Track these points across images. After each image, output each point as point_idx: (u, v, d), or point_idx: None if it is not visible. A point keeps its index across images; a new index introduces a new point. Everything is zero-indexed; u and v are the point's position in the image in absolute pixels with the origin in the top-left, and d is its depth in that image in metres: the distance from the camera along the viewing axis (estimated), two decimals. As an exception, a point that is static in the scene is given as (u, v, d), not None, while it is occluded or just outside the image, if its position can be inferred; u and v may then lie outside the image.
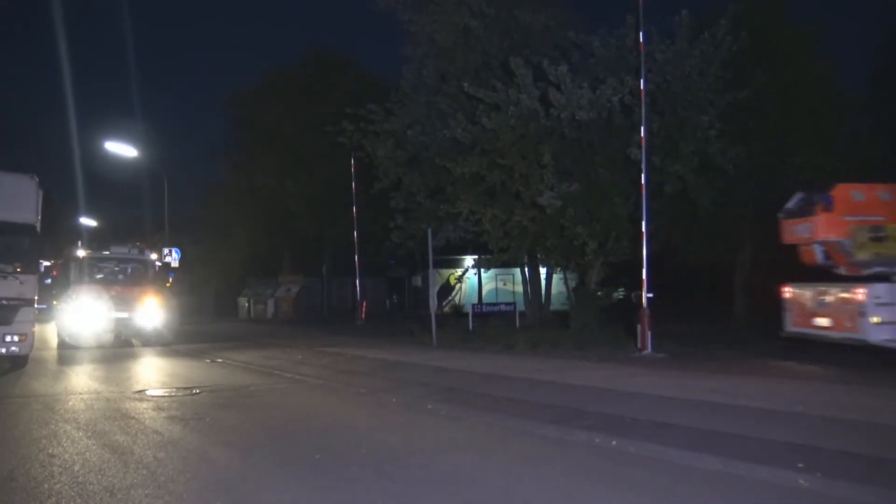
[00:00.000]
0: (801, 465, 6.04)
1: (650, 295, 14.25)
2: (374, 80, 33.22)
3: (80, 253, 20.22)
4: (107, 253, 20.85)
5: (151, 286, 20.91)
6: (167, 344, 20.50)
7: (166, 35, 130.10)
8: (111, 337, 20.24)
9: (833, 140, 21.78)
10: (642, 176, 14.38)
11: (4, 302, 12.92)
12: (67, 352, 18.42)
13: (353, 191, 24.73)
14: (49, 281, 22.45)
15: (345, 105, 22.19)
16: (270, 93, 36.51)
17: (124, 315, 19.76)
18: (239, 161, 39.26)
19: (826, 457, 6.30)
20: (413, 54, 21.53)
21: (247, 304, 40.60)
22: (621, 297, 24.56)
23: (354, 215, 24.81)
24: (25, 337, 13.20)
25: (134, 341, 21.16)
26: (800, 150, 20.50)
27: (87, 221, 43.56)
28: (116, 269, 20.93)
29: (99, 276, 20.41)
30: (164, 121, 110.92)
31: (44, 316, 21.78)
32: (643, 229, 14.27)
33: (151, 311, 20.29)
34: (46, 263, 20.40)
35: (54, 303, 23.21)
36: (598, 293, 18.14)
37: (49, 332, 21.67)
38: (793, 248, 14.41)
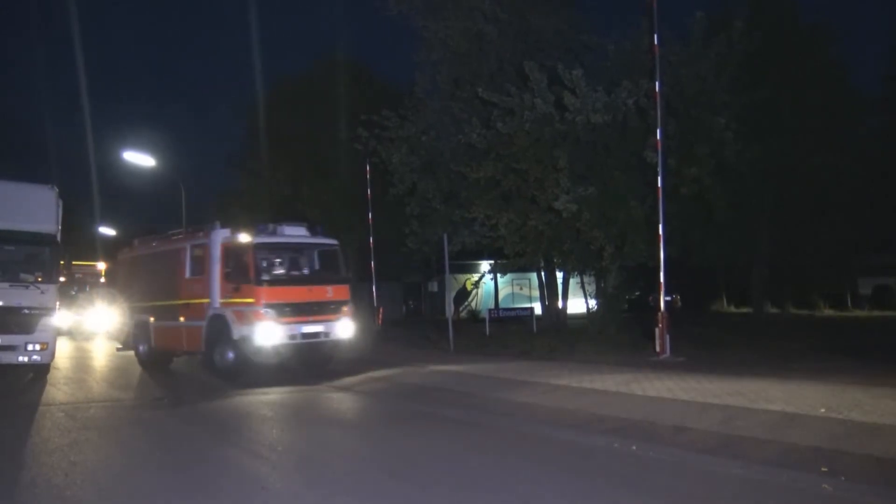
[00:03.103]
0: (824, 468, 5.98)
1: (668, 298, 14.16)
2: (388, 86, 33.31)
3: (244, 238, 13.78)
4: (280, 239, 14.48)
5: (342, 284, 14.92)
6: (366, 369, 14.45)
7: (182, 46, 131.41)
8: (292, 361, 14.35)
9: (848, 140, 21.61)
10: (658, 178, 14.30)
11: (26, 311, 13.07)
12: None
13: (369, 197, 24.80)
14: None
15: (359, 112, 22.26)
16: (285, 100, 36.67)
17: (317, 329, 14.03)
18: (254, 168, 39.47)
19: (849, 461, 6.23)
20: (427, 60, 21.57)
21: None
22: (635, 298, 24.48)
23: (370, 221, 24.89)
24: (47, 346, 13.34)
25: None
26: (815, 151, 20.34)
27: (106, 230, 44.04)
28: (294, 259, 15.09)
29: (276, 271, 14.37)
30: (181, 130, 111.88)
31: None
32: (660, 232, 14.20)
33: (347, 322, 14.63)
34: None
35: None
36: (626, 297, 18.25)
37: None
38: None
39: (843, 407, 8.30)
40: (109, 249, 40.47)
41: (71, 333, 28.52)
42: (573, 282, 23.78)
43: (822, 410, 8.17)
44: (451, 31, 20.33)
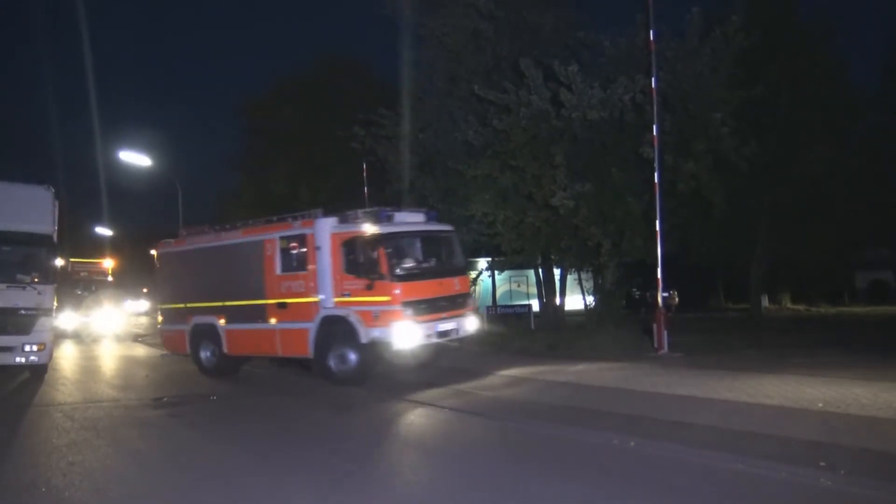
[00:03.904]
0: (822, 463, 5.99)
1: (666, 294, 14.16)
2: (385, 84, 33.29)
3: (370, 229, 12.22)
4: (406, 228, 13.22)
5: (465, 274, 14.07)
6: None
7: (179, 45, 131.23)
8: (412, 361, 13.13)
9: (846, 135, 21.62)
10: (655, 175, 14.29)
11: (23, 312, 13.06)
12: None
13: (366, 195, 24.77)
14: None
15: (356, 110, 22.23)
16: (282, 100, 36.64)
17: (450, 326, 12.87)
18: (252, 168, 39.44)
19: (848, 455, 6.24)
20: (423, 58, 21.55)
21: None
22: (637, 296, 24.50)
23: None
24: (44, 346, 13.33)
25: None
26: (812, 146, 20.36)
27: (104, 230, 44.01)
28: (418, 250, 13.37)
29: (406, 264, 12.67)
30: (178, 130, 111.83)
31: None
32: (657, 228, 14.19)
33: (472, 316, 13.74)
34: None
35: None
36: (624, 293, 18.23)
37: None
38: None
39: (841, 402, 8.32)
40: (117, 247, 40.45)
41: (77, 336, 27.18)
42: (571, 278, 23.78)
43: (821, 405, 8.19)
44: (447, 28, 20.30)
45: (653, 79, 14.44)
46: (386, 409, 10.23)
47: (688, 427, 7.61)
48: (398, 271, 12.06)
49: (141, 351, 21.66)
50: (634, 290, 23.76)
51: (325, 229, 12.66)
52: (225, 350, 14.29)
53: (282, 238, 13.41)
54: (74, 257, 32.40)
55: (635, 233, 16.54)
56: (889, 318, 24.22)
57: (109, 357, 19.68)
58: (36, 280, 13.32)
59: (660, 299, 14.14)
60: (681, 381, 10.53)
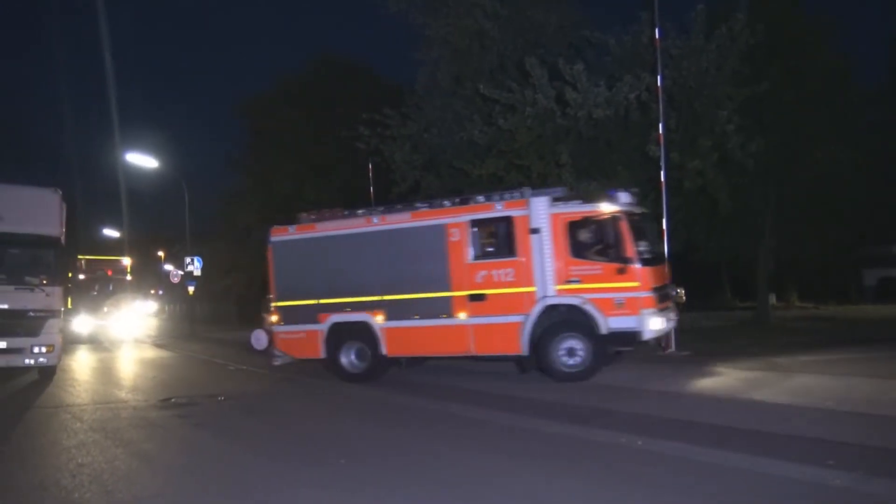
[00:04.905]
0: (830, 461, 5.96)
1: (673, 292, 14.11)
2: (389, 84, 33.31)
3: (610, 208, 11.25)
4: (638, 209, 12.17)
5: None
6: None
7: (180, 45, 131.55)
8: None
9: (851, 132, 21.52)
10: (661, 173, 14.27)
11: (32, 314, 13.14)
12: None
13: (371, 195, 24.78)
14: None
15: (360, 110, 22.23)
16: (285, 99, 36.70)
17: (672, 315, 12.12)
18: (256, 168, 39.53)
19: (856, 452, 6.22)
20: (427, 57, 21.54)
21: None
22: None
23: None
24: (53, 348, 13.41)
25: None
26: (818, 143, 20.28)
27: (110, 232, 44.23)
28: (642, 233, 11.97)
29: (644, 247, 11.58)
30: (183, 131, 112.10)
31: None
32: (664, 226, 14.16)
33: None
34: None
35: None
36: None
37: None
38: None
39: (851, 399, 8.29)
40: (125, 248, 40.50)
41: (94, 341, 25.34)
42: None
43: (830, 403, 8.15)
44: (452, 28, 20.29)
45: (658, 77, 14.43)
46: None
47: (694, 425, 7.59)
48: (644, 254, 11.13)
49: (150, 353, 21.77)
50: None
51: (543, 210, 11.44)
52: (383, 351, 12.67)
53: (475, 221, 12.03)
54: (90, 255, 31.08)
55: (641, 231, 16.48)
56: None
57: (118, 359, 19.76)
58: (44, 282, 13.39)
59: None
60: (688, 380, 10.51)
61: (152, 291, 54.33)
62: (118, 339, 26.15)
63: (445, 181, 20.56)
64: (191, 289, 31.98)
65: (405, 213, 12.82)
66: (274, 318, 13.84)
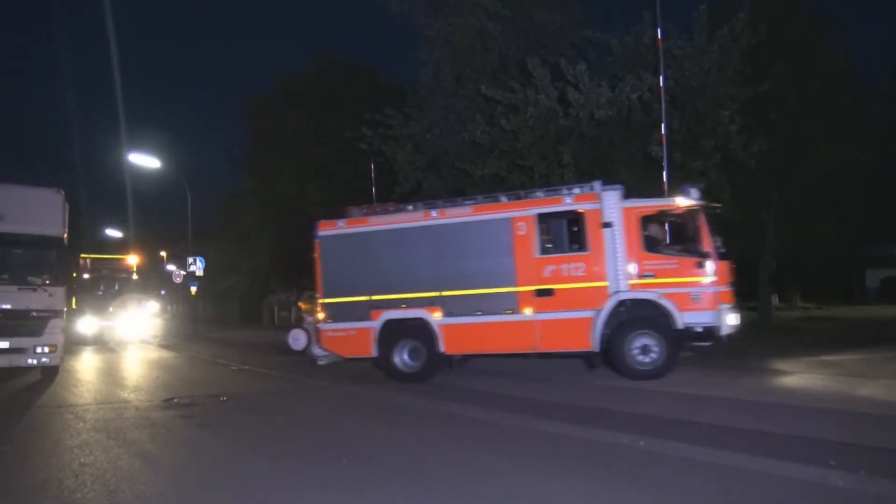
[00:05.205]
0: (833, 462, 5.96)
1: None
2: (391, 84, 33.33)
3: (685, 203, 11.36)
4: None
5: None
6: None
7: (182, 45, 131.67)
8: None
9: (854, 131, 21.50)
10: (664, 173, 14.26)
11: (35, 314, 13.17)
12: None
13: (374, 196, 24.82)
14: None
15: (362, 110, 22.25)
16: (287, 100, 36.74)
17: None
18: (258, 169, 39.58)
19: (859, 453, 6.21)
20: (429, 58, 21.54)
21: (273, 311, 40.94)
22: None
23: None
24: (55, 348, 13.45)
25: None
26: (821, 143, 20.26)
27: (113, 232, 44.31)
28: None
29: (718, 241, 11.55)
30: (185, 131, 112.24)
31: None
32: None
33: None
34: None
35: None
36: None
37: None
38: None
39: (853, 399, 8.28)
40: (128, 248, 40.55)
41: (99, 342, 24.84)
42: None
43: (831, 403, 8.15)
44: (453, 28, 20.30)
45: (661, 77, 14.43)
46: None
47: (696, 426, 7.59)
48: (720, 249, 11.00)
49: (153, 353, 21.80)
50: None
51: (615, 204, 11.41)
52: (441, 349, 12.34)
53: (542, 215, 11.86)
54: (95, 254, 30.71)
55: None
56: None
57: (121, 359, 19.78)
58: (47, 282, 13.43)
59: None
60: (690, 381, 10.51)
61: (159, 292, 54.32)
62: (124, 340, 25.81)
63: (447, 181, 20.57)
64: (193, 289, 32.03)
65: (466, 206, 12.56)
66: (320, 315, 13.40)
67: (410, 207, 13.34)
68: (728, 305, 10.90)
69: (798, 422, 7.43)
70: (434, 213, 12.64)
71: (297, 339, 13.80)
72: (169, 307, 58.16)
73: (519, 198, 12.40)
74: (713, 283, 10.85)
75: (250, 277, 41.99)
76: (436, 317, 12.36)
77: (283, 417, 9.96)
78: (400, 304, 12.64)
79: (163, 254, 47.89)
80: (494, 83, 18.69)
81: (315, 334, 13.57)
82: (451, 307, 12.28)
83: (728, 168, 16.47)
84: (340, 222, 13.40)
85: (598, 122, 16.46)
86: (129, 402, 11.54)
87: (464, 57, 20.58)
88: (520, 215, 11.93)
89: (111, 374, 16.12)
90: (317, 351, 13.60)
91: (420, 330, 12.47)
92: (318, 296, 13.45)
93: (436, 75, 21.33)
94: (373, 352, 12.81)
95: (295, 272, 41.55)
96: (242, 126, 44.13)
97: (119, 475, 6.56)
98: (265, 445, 7.94)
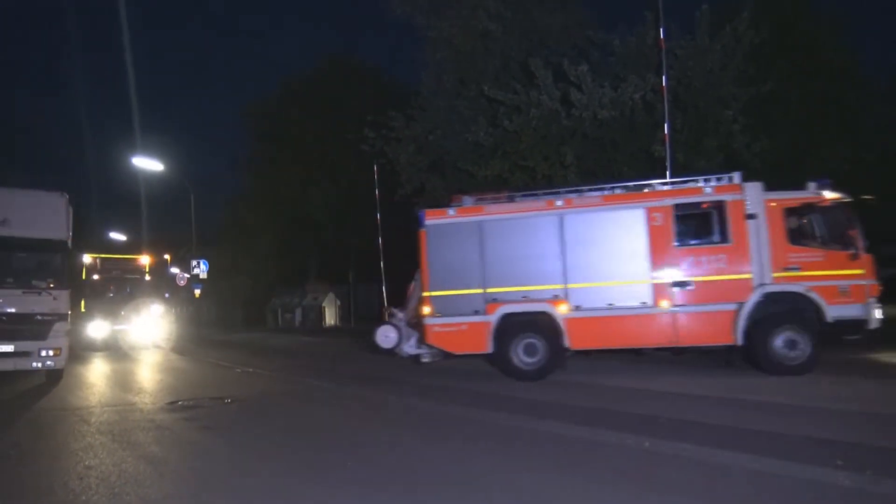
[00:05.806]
0: (839, 462, 5.93)
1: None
2: (394, 85, 33.37)
3: (832, 195, 11.64)
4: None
5: None
6: None
7: (184, 47, 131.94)
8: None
9: (858, 131, 21.45)
10: (667, 173, 14.25)
11: (39, 317, 13.20)
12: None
13: (377, 197, 24.86)
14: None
15: (365, 112, 22.29)
16: (290, 102, 36.83)
17: None
18: (261, 171, 39.65)
19: (865, 453, 6.18)
20: (431, 59, 21.57)
21: (276, 313, 41.00)
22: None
23: (378, 222, 24.90)
24: (60, 351, 13.47)
25: None
26: (825, 142, 20.22)
27: (117, 235, 44.36)
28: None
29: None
30: (189, 134, 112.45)
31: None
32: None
33: None
34: None
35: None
36: None
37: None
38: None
39: (858, 400, 8.25)
40: (132, 250, 40.58)
41: (109, 348, 23.89)
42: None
43: (837, 403, 8.12)
44: (456, 29, 20.32)
45: (663, 77, 14.43)
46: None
47: (701, 426, 7.57)
48: (864, 241, 10.93)
49: (156, 356, 21.81)
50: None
51: (758, 195, 11.30)
52: (566, 343, 11.82)
53: (679, 205, 11.56)
54: (105, 254, 29.89)
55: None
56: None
57: (126, 361, 19.78)
58: (51, 285, 13.45)
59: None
60: (694, 381, 10.48)
61: (163, 295, 54.35)
62: (137, 345, 25.07)
63: (450, 183, 20.59)
64: (197, 292, 32.04)
65: (595, 196, 12.13)
66: (426, 309, 12.61)
67: (524, 195, 12.90)
68: (875, 299, 10.80)
69: (801, 422, 7.39)
70: (559, 203, 12.11)
71: (387, 335, 13.22)
72: (173, 309, 58.16)
73: (638, 189, 12.10)
74: (861, 276, 10.77)
75: (253, 279, 42.06)
76: (561, 310, 11.81)
77: (286, 419, 9.95)
78: (520, 298, 12.07)
79: (167, 257, 47.95)
80: (497, 84, 18.72)
81: (406, 331, 13.14)
82: (579, 300, 11.77)
83: (731, 168, 16.44)
84: (451, 211, 12.76)
85: (600, 123, 16.47)
86: (134, 404, 11.54)
87: (466, 58, 20.62)
88: (656, 205, 11.60)
89: (115, 377, 16.12)
90: (409, 349, 13.10)
91: (541, 324, 11.91)
92: (423, 288, 12.74)
93: (438, 77, 21.37)
94: (488, 347, 12.19)
95: (302, 273, 41.72)
96: (246, 128, 44.30)
97: (124, 478, 6.56)
98: (269, 447, 7.93)
